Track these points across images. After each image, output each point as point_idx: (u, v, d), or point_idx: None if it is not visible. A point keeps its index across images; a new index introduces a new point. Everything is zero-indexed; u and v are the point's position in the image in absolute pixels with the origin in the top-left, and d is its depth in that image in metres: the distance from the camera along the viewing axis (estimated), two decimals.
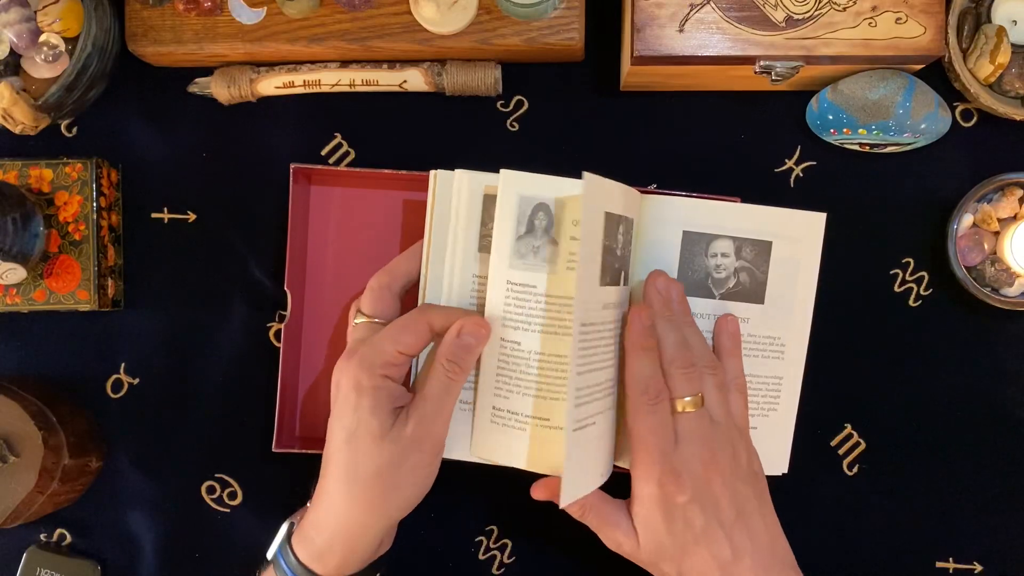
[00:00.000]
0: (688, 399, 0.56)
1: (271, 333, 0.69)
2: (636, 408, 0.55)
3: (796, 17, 0.61)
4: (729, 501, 0.55)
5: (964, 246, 0.66)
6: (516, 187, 0.56)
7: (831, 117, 0.65)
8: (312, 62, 0.67)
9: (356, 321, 0.58)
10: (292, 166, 0.65)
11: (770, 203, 0.68)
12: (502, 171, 0.56)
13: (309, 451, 0.64)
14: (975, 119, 0.69)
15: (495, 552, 0.69)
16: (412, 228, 0.68)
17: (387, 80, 0.67)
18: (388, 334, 0.55)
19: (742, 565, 0.55)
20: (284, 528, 0.58)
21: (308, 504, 0.58)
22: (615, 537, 0.57)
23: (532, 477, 0.66)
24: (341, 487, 0.54)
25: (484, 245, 0.57)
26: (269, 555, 0.58)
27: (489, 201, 0.57)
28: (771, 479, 0.62)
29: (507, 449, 0.57)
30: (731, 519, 0.55)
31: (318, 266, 0.68)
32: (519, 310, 0.56)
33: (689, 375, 0.56)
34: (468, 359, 0.56)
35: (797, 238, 0.60)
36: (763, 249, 0.60)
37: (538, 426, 0.56)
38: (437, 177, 0.58)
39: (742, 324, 0.60)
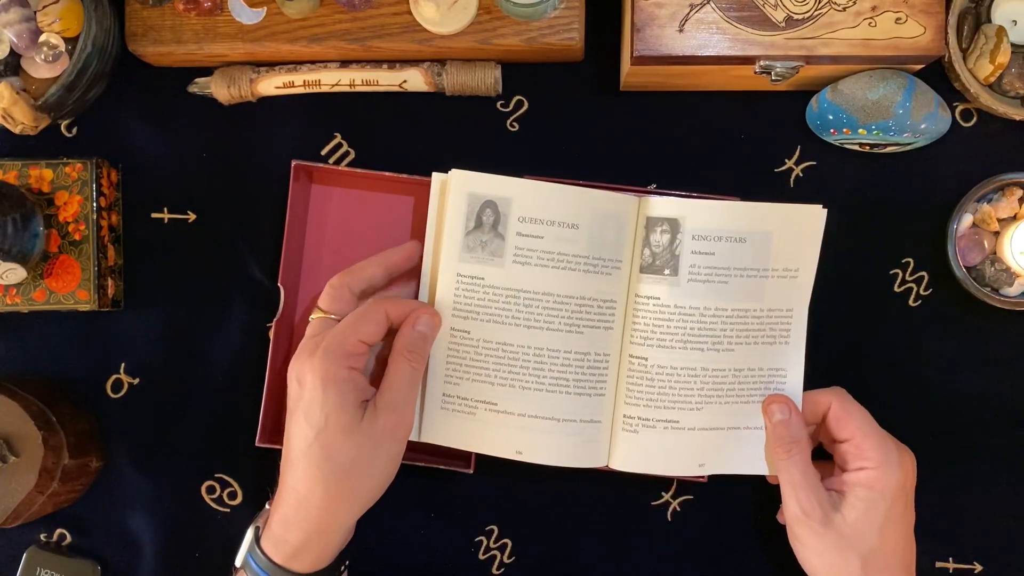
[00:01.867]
0: None
1: (271, 333, 0.69)
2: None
3: (796, 17, 0.61)
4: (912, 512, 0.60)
5: (964, 246, 0.66)
6: (466, 186, 0.59)
7: (831, 117, 0.65)
8: (312, 62, 0.67)
9: (313, 317, 0.59)
10: (293, 163, 0.65)
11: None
12: (452, 171, 0.59)
13: None
14: (975, 119, 0.69)
15: (495, 552, 0.69)
16: (409, 232, 0.68)
17: (387, 80, 0.67)
18: (348, 324, 0.57)
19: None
20: (250, 533, 0.59)
21: (268, 506, 0.59)
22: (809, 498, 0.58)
23: (531, 476, 0.66)
24: (315, 483, 0.55)
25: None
26: (238, 562, 0.59)
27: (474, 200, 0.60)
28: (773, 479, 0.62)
29: (457, 433, 0.60)
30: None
31: (313, 264, 0.68)
32: (468, 301, 0.59)
33: None
34: (425, 348, 0.59)
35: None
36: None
37: (487, 410, 0.60)
38: (435, 178, 0.61)
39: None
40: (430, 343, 0.59)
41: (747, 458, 0.62)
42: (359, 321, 0.57)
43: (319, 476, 0.55)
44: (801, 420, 0.60)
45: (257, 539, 0.58)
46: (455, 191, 0.59)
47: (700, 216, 0.59)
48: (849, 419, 0.59)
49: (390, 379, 0.57)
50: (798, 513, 0.58)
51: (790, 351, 0.61)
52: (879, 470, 0.57)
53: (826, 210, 0.60)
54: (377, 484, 0.57)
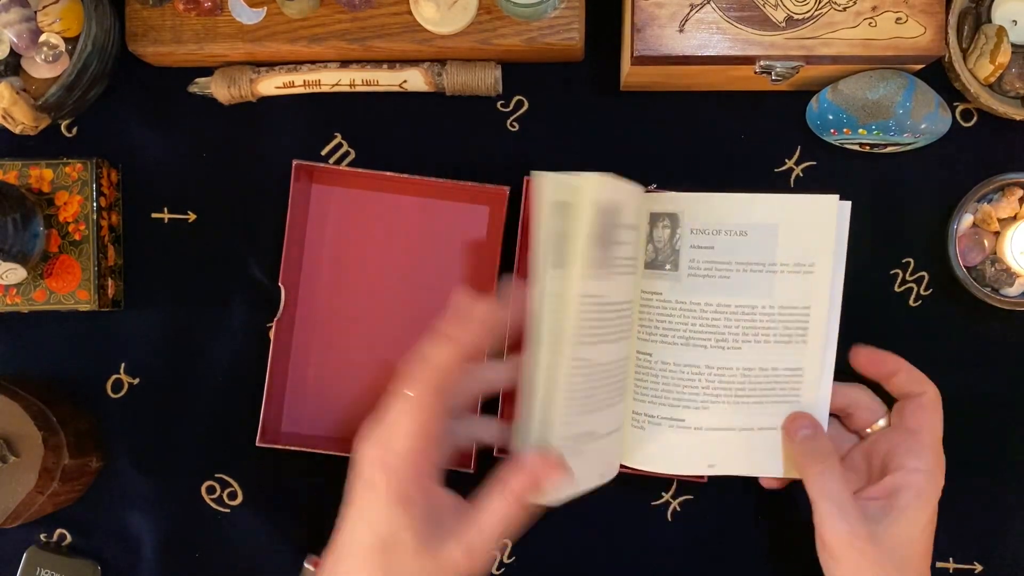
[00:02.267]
0: None
1: (271, 333, 0.69)
2: None
3: (796, 17, 0.61)
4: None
5: (964, 246, 0.66)
6: (597, 193, 0.52)
7: (831, 117, 0.65)
8: (312, 62, 0.67)
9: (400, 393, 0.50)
10: (294, 162, 0.65)
11: None
12: (586, 175, 0.52)
13: (292, 447, 0.65)
14: (975, 119, 0.69)
15: (494, 552, 0.69)
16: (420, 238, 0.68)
17: (387, 80, 0.67)
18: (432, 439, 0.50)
19: None
20: None
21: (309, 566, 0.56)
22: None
23: None
24: None
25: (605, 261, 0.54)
26: None
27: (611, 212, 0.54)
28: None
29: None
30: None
31: (314, 264, 0.68)
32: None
33: None
34: (536, 498, 0.51)
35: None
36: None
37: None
38: (546, 183, 0.53)
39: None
40: (542, 496, 0.51)
41: (760, 460, 0.60)
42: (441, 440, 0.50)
43: None
44: (825, 435, 0.58)
45: None
46: (588, 200, 0.52)
47: (699, 209, 0.58)
48: (923, 412, 0.57)
49: (481, 518, 0.49)
50: (843, 533, 0.53)
51: (808, 351, 0.59)
52: (929, 474, 0.55)
53: (845, 201, 0.57)
54: None
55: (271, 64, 0.68)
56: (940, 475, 0.56)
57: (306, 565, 0.58)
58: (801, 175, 0.69)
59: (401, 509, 0.48)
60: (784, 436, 0.59)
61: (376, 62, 0.67)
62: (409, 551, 0.49)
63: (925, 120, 0.64)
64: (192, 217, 0.70)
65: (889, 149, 0.66)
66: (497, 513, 0.50)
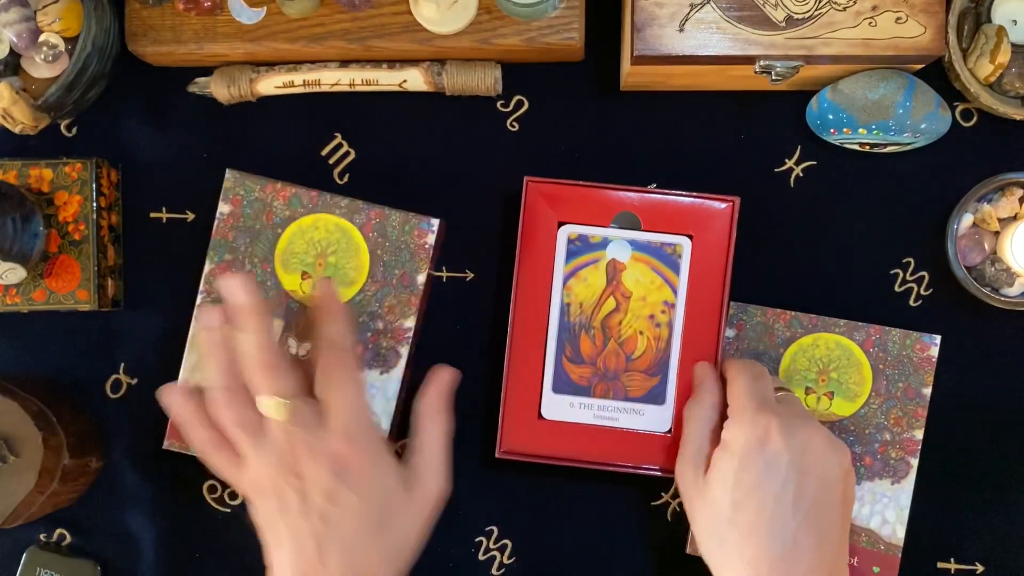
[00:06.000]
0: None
1: None
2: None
3: (796, 17, 0.61)
4: (817, 484, 0.55)
5: (964, 246, 0.66)
6: None
7: (831, 117, 0.65)
8: (312, 62, 0.67)
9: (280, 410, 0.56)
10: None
11: (770, 203, 0.68)
12: None
13: None
14: (975, 119, 0.68)
15: (495, 552, 0.69)
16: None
17: (387, 80, 0.67)
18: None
19: (796, 567, 0.53)
20: None
21: None
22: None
23: (531, 476, 0.66)
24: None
25: None
26: None
27: None
28: None
29: None
30: (809, 504, 0.54)
31: None
32: None
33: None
34: (450, 404, 0.60)
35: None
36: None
37: None
38: None
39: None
40: (452, 396, 0.60)
41: None
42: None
43: (391, 562, 0.56)
44: (718, 383, 0.61)
45: None
46: None
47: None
48: (731, 382, 0.59)
49: (425, 444, 0.58)
50: (679, 469, 0.59)
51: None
52: (730, 428, 0.57)
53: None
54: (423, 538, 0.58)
55: (271, 64, 0.68)
56: (746, 424, 0.56)
57: None
58: (801, 175, 0.69)
59: (380, 458, 0.55)
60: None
61: (376, 62, 0.67)
62: (400, 499, 0.55)
63: (925, 120, 0.64)
64: (191, 217, 0.70)
65: (889, 149, 0.66)
66: (436, 432, 0.58)
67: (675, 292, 0.64)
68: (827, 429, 0.58)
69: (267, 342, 0.55)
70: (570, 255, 0.64)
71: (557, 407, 0.64)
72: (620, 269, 0.64)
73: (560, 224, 0.64)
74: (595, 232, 0.64)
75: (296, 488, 0.53)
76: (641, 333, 0.64)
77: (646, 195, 0.64)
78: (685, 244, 0.64)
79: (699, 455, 0.58)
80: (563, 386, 0.64)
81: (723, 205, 0.64)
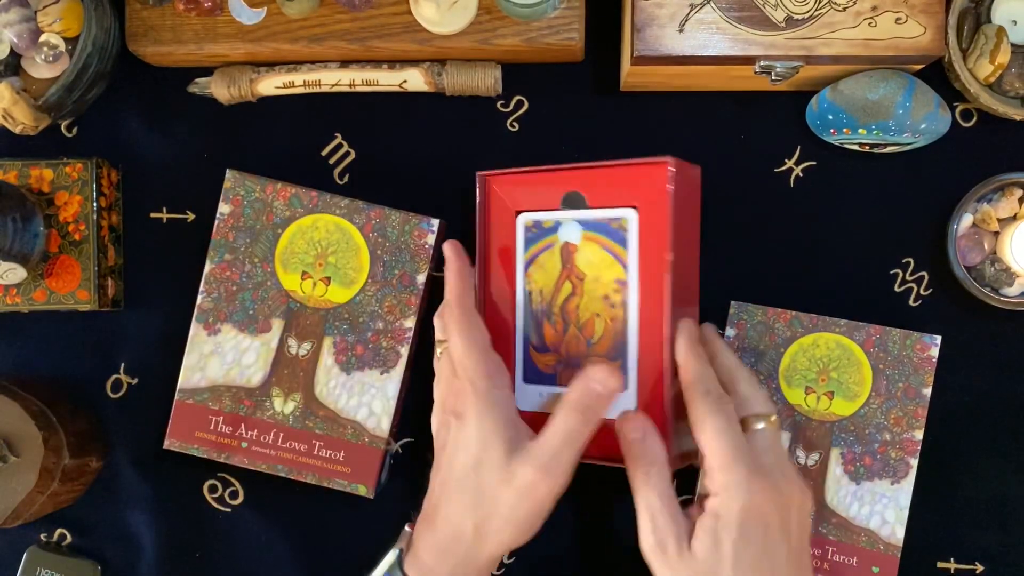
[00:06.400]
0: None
1: None
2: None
3: (796, 17, 0.61)
4: (798, 532, 0.53)
5: (964, 246, 0.66)
6: None
7: (831, 117, 0.65)
8: (312, 62, 0.67)
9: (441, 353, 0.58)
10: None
11: (770, 203, 0.68)
12: None
13: None
14: (975, 119, 0.69)
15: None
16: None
17: (387, 80, 0.67)
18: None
19: None
20: (392, 555, 0.56)
21: (408, 528, 0.57)
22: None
23: None
24: (466, 519, 0.53)
25: None
26: None
27: None
28: None
29: None
30: (795, 554, 0.53)
31: None
32: None
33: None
34: (600, 409, 0.53)
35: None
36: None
37: None
38: None
39: None
40: (605, 406, 0.53)
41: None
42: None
43: (470, 514, 0.53)
44: (659, 439, 0.54)
45: (400, 562, 0.55)
46: None
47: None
48: (700, 428, 0.53)
49: (547, 434, 0.52)
50: (653, 545, 0.52)
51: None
52: (721, 496, 0.51)
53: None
54: (520, 532, 0.53)
55: (271, 64, 0.68)
56: (740, 491, 0.51)
57: (406, 528, 0.58)
58: (801, 175, 0.69)
59: (489, 413, 0.53)
60: (617, 433, 0.55)
61: (376, 62, 0.67)
62: (496, 467, 0.52)
63: (925, 120, 0.64)
64: (191, 217, 0.70)
65: (889, 149, 0.66)
66: (559, 426, 0.52)
67: (626, 268, 0.59)
68: (792, 465, 0.55)
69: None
70: (528, 243, 0.62)
71: (529, 397, 0.62)
72: (572, 251, 0.60)
73: (518, 213, 0.62)
74: (547, 217, 0.61)
75: None
76: (598, 315, 0.59)
77: (589, 170, 0.60)
78: (631, 216, 0.58)
79: (676, 526, 0.53)
80: (532, 376, 0.62)
81: (662, 168, 0.57)
